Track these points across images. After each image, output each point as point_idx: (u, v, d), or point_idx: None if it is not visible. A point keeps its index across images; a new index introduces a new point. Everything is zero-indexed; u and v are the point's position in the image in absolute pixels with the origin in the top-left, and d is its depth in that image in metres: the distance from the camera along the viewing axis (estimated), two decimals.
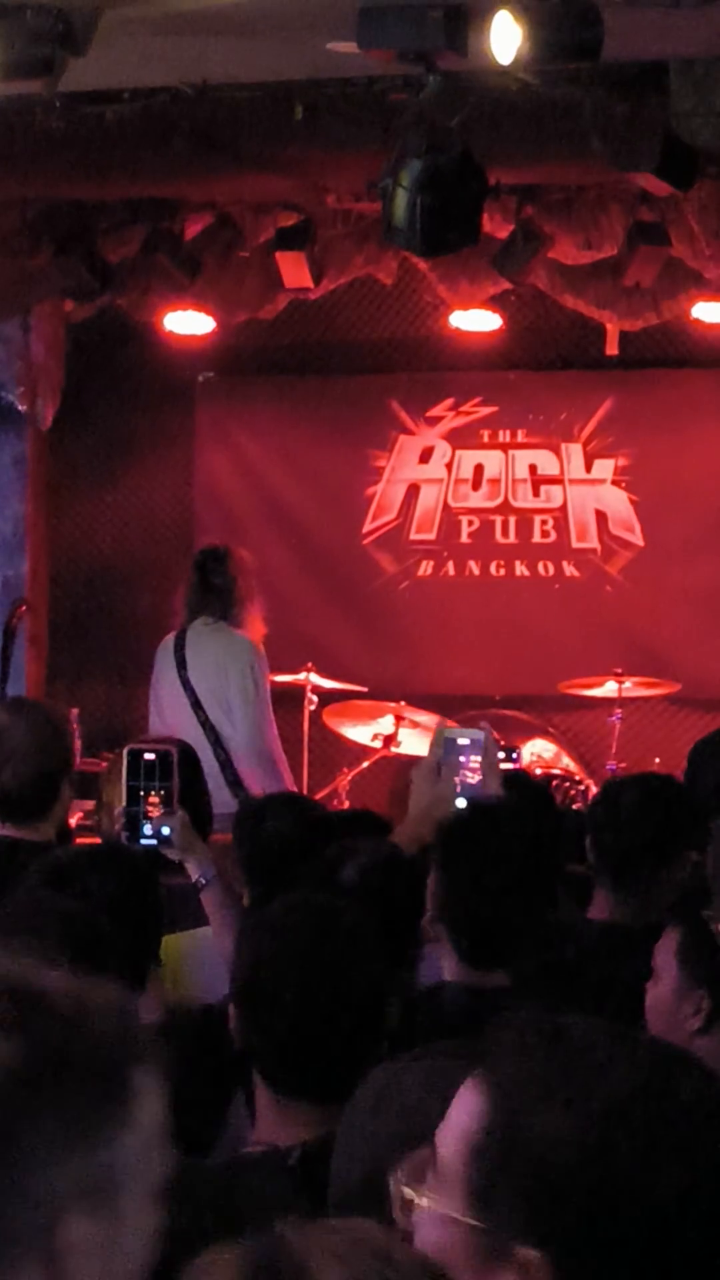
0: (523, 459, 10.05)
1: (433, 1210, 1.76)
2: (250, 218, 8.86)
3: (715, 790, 5.15)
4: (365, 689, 9.44)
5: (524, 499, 10.05)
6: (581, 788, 8.65)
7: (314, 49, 6.63)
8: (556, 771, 8.89)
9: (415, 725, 9.07)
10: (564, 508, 10.00)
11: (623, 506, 9.93)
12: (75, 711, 8.40)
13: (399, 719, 9.08)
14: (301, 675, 9.10)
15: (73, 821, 5.59)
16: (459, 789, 4.43)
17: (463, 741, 4.50)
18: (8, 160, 7.53)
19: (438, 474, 10.12)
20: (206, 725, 7.73)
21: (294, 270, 8.83)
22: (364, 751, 9.19)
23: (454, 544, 10.12)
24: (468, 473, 10.09)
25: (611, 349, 9.32)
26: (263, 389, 10.32)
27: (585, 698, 9.36)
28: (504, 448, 10.07)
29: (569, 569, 10.01)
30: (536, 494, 10.04)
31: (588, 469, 9.97)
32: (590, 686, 9.24)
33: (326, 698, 9.25)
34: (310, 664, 9.15)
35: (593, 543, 9.97)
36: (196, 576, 8.04)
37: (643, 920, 4.47)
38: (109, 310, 9.35)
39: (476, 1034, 1.90)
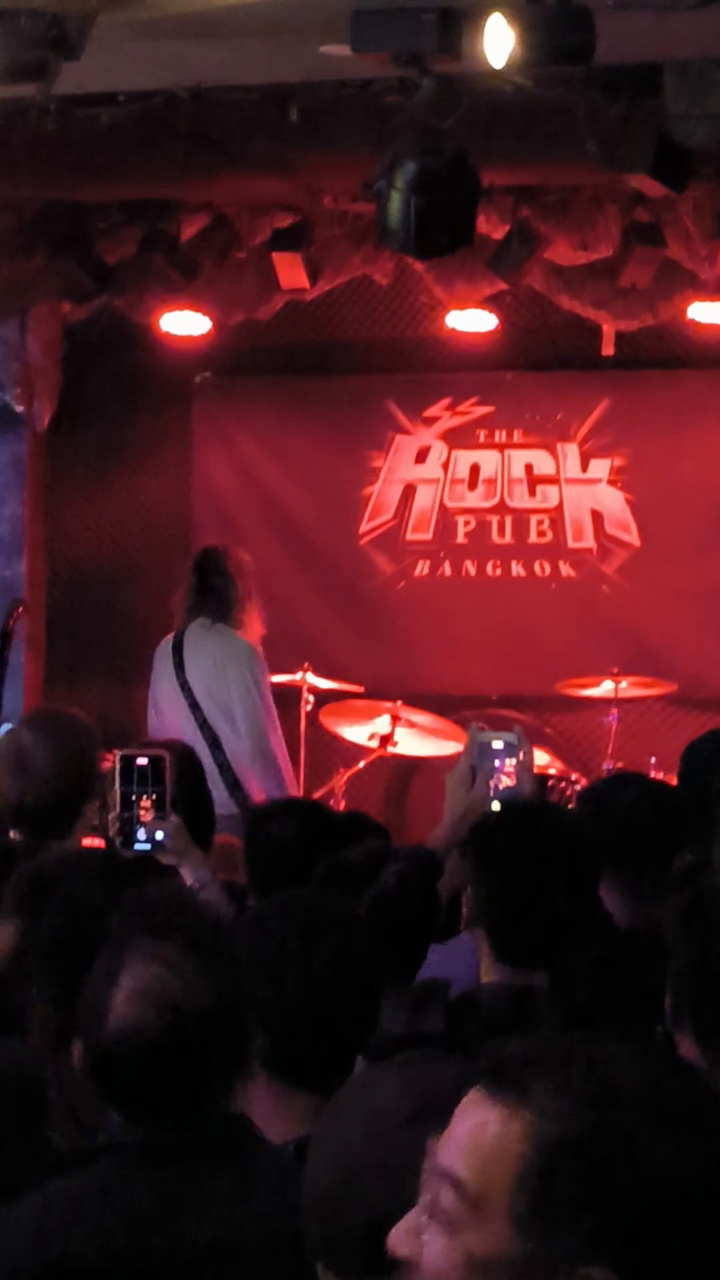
0: (519, 459, 10.05)
1: (466, 1247, 1.67)
2: (246, 219, 8.87)
3: (708, 790, 5.16)
4: (362, 689, 9.45)
5: (520, 499, 10.06)
6: (578, 788, 8.65)
7: (308, 51, 6.64)
8: (552, 772, 8.89)
9: (412, 725, 9.08)
10: (560, 508, 10.01)
11: (619, 506, 9.93)
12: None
13: (395, 719, 9.09)
14: (298, 675, 9.11)
15: None
16: (493, 793, 4.44)
17: (496, 745, 4.49)
18: (3, 163, 7.55)
19: (434, 474, 10.13)
20: (204, 727, 7.74)
21: (290, 271, 8.84)
22: (360, 751, 9.19)
23: (450, 544, 10.12)
24: (464, 473, 10.10)
25: (607, 349, 9.33)
26: (259, 389, 10.33)
27: (582, 698, 9.37)
28: (500, 448, 10.07)
29: (565, 569, 10.01)
30: (533, 494, 10.04)
31: (584, 469, 9.97)
32: (587, 686, 9.25)
33: (323, 698, 9.26)
34: (307, 664, 9.16)
35: (589, 543, 9.97)
36: (195, 577, 8.05)
37: (640, 921, 4.54)
38: (106, 311, 9.36)
39: (519, 1034, 1.89)
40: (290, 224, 8.79)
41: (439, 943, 4.29)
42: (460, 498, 10.12)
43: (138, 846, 4.42)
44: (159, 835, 4.44)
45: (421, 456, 10.14)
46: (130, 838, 4.43)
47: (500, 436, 10.07)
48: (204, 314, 9.28)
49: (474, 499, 10.11)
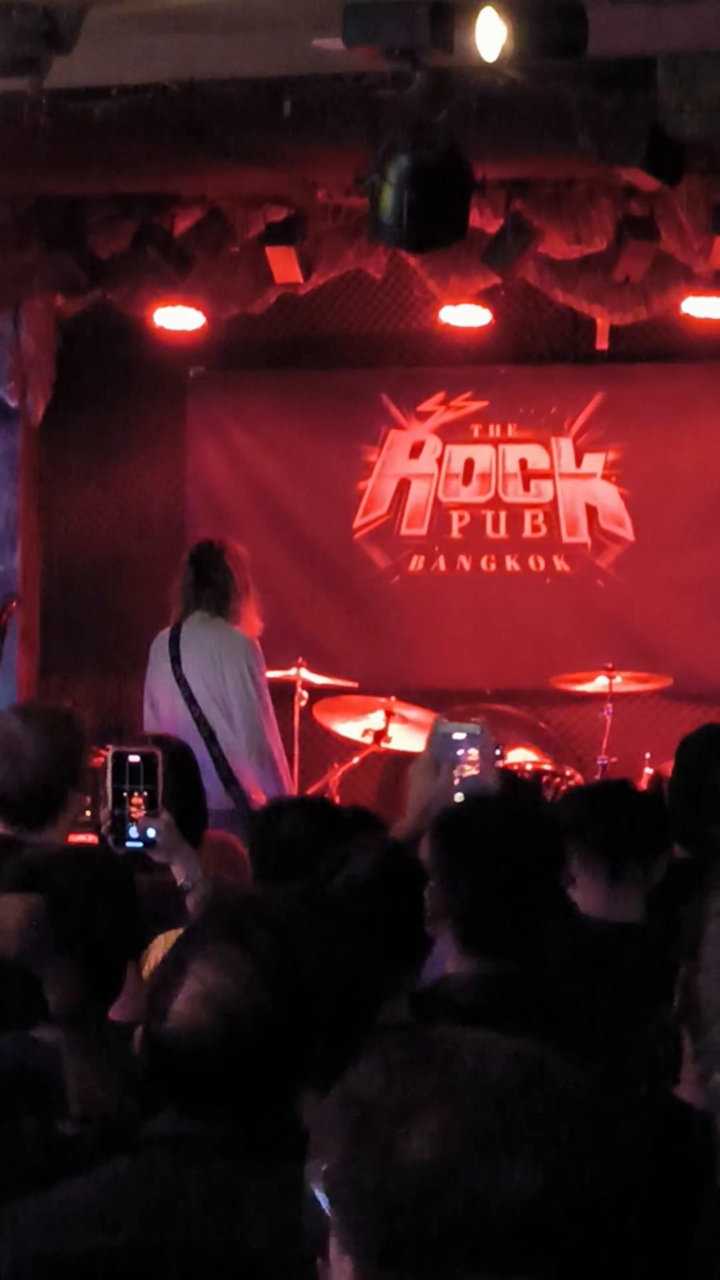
0: (513, 453, 10.04)
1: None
2: (240, 213, 8.86)
3: (701, 785, 5.17)
4: (356, 684, 9.45)
5: (514, 493, 10.05)
6: (573, 783, 8.65)
7: (301, 45, 6.63)
8: (547, 767, 8.89)
9: (406, 720, 9.07)
10: (554, 502, 10.00)
11: (613, 500, 9.93)
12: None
13: (390, 714, 9.09)
14: (292, 670, 9.10)
15: None
16: (457, 783, 4.44)
17: (459, 736, 4.49)
18: None
19: (428, 469, 10.12)
20: (200, 721, 7.72)
21: (284, 265, 8.83)
22: (355, 747, 9.19)
23: (445, 539, 10.11)
24: (458, 467, 10.09)
25: (601, 343, 9.34)
26: (253, 383, 10.32)
27: (577, 692, 9.37)
28: (494, 442, 10.06)
29: (560, 563, 10.00)
30: (527, 488, 10.03)
31: (578, 463, 9.96)
32: (582, 681, 9.25)
33: (317, 693, 9.25)
34: (301, 659, 9.15)
35: (583, 537, 9.97)
36: (192, 571, 8.01)
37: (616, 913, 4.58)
38: (99, 305, 9.35)
39: (488, 1023, 1.86)
40: (283, 218, 8.78)
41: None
42: (454, 492, 10.11)
43: (129, 844, 4.42)
44: (150, 832, 4.44)
45: (416, 451, 10.13)
46: (122, 835, 4.43)
47: (494, 431, 10.07)
48: (197, 308, 9.27)
49: (468, 494, 10.10)
